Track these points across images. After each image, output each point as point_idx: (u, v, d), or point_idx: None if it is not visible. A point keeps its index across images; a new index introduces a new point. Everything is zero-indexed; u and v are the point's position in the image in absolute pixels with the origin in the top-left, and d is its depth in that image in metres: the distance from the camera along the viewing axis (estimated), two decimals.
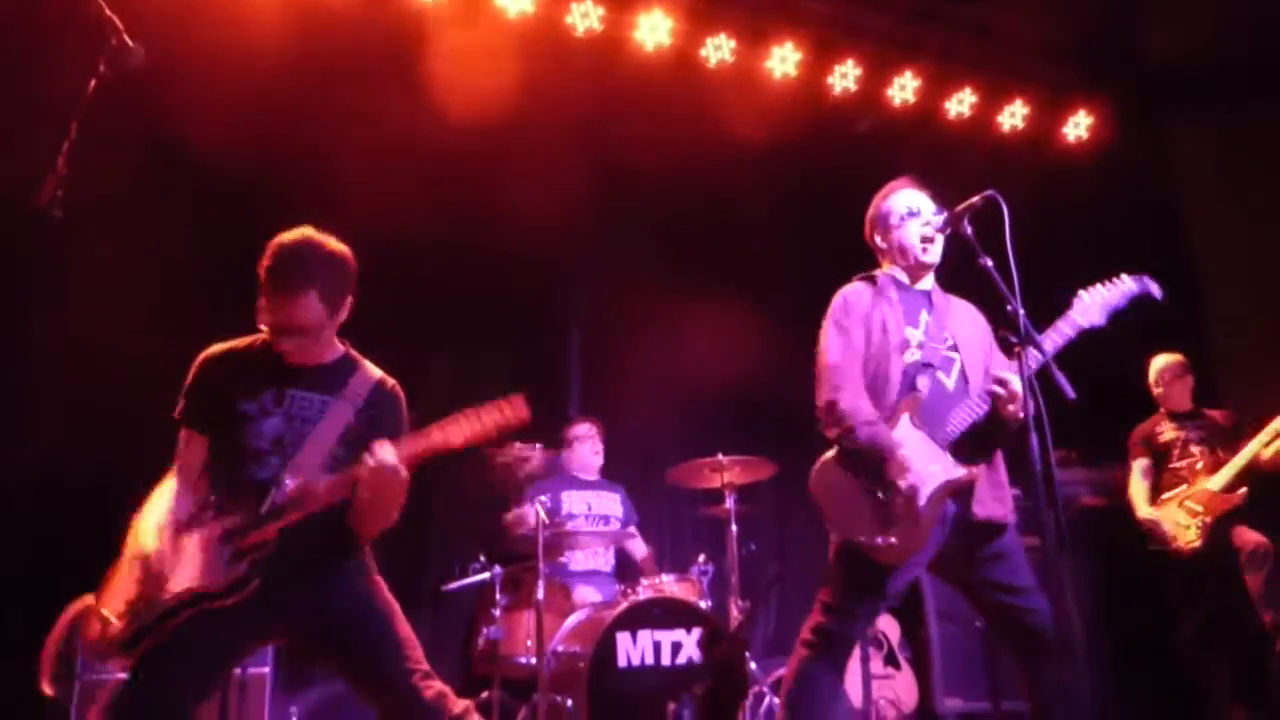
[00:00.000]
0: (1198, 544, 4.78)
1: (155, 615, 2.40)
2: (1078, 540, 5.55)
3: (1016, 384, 2.84)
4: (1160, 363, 5.29)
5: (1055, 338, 2.97)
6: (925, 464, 2.90)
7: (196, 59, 4.57)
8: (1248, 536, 4.78)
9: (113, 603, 2.45)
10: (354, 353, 2.75)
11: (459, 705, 2.55)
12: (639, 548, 5.23)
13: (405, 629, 2.61)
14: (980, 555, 2.94)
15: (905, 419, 2.96)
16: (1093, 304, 3.05)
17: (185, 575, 2.39)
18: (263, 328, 2.62)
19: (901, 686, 5.28)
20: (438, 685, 2.56)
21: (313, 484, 2.47)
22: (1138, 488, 5.15)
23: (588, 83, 5.61)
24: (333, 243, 2.62)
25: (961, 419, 2.96)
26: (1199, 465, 4.97)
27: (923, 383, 3.03)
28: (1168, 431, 5.16)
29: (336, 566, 2.59)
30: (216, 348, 2.67)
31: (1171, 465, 5.08)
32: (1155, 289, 3.11)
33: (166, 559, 2.41)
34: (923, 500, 2.86)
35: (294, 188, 4.63)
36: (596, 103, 5.66)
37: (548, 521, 4.28)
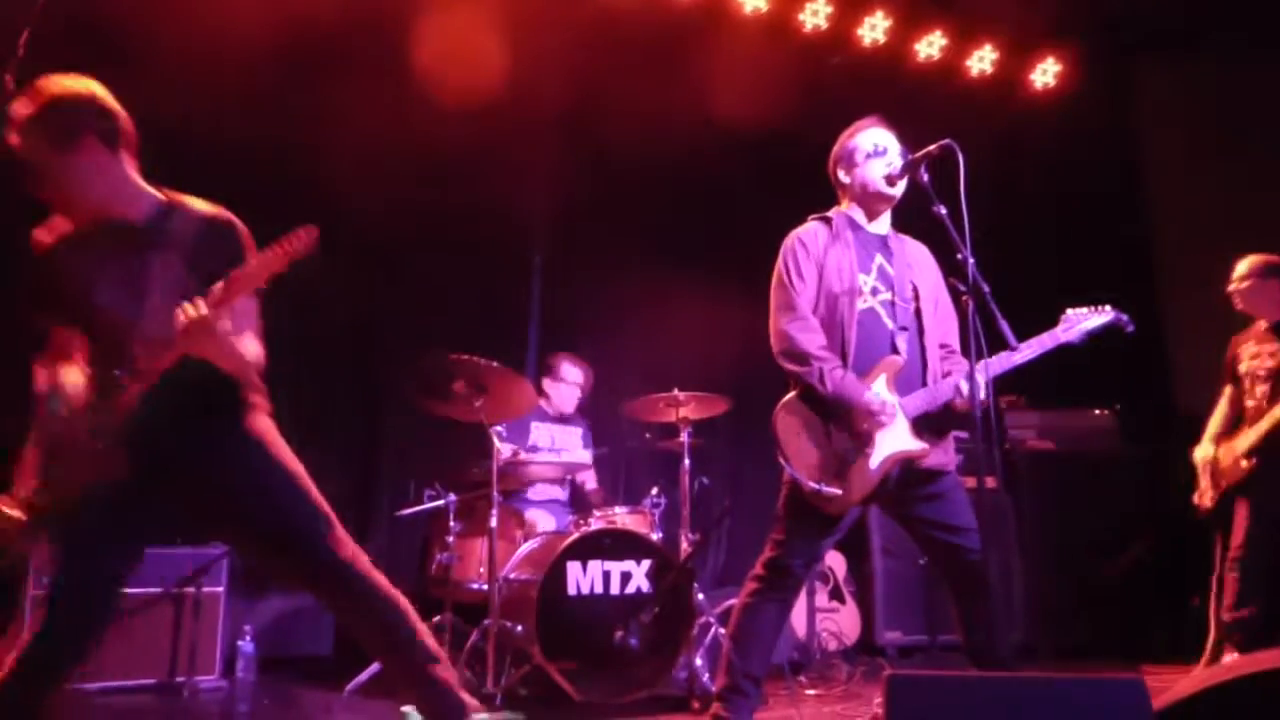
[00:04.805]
0: (1208, 507, 4.45)
1: (50, 507, 2.38)
2: (1024, 482, 5.73)
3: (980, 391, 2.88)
4: (1245, 263, 4.54)
5: (1035, 347, 3.04)
6: (889, 430, 2.95)
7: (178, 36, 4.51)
8: (1239, 529, 4.36)
9: (17, 494, 2.41)
10: (174, 196, 2.60)
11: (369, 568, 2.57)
12: (590, 481, 5.30)
13: (310, 489, 2.56)
14: (919, 494, 3.02)
15: (882, 380, 3.00)
16: (1075, 326, 3.12)
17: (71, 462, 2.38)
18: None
19: (845, 620, 5.44)
20: (352, 546, 2.56)
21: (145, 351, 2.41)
22: (1213, 422, 4.58)
23: (554, 22, 5.52)
24: (50, 87, 2.44)
25: (925, 401, 3.00)
26: (1259, 404, 4.38)
27: (902, 345, 3.07)
28: (1247, 355, 4.51)
29: (211, 420, 2.55)
30: (40, 231, 2.56)
31: (1245, 401, 4.48)
32: (1130, 326, 3.20)
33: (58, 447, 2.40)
34: (874, 464, 2.93)
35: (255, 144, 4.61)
36: (563, 45, 5.57)
37: (502, 451, 4.32)
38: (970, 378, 2.76)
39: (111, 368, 2.43)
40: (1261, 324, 4.50)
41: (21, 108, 2.40)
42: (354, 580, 2.55)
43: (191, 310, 2.32)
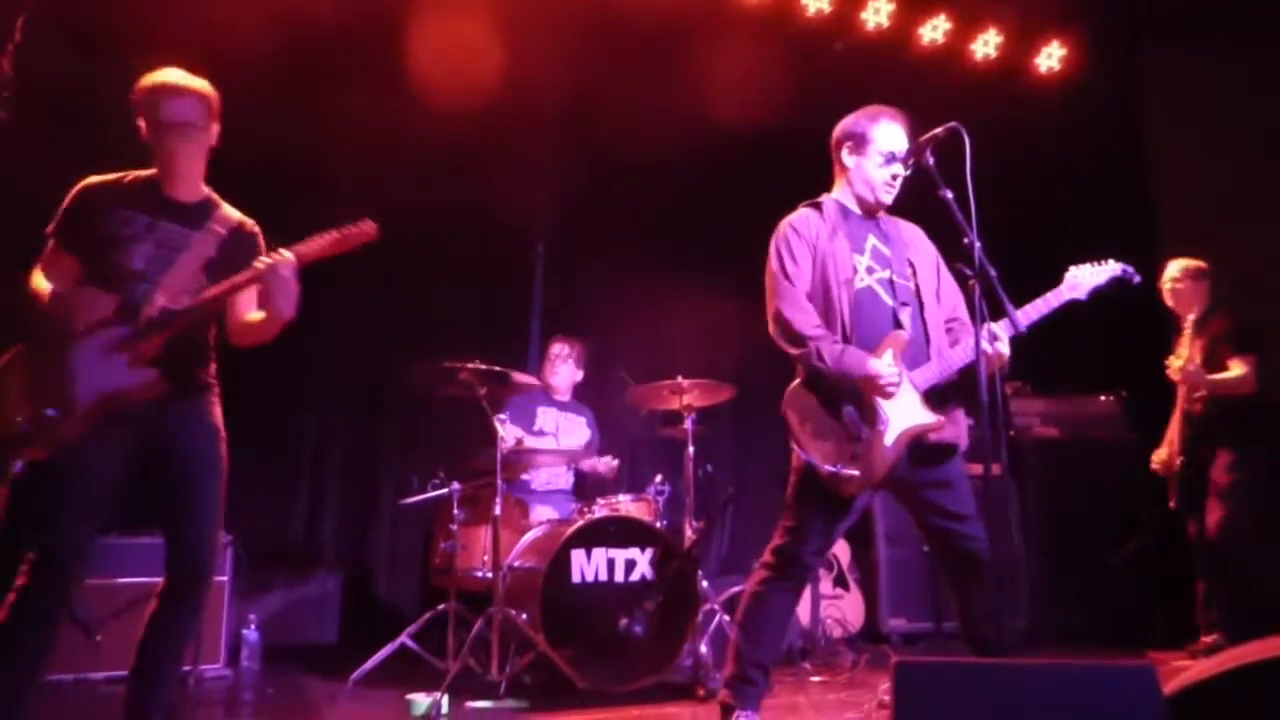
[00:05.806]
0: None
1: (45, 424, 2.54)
2: (1028, 469, 5.72)
3: (1005, 348, 2.89)
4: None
5: (1041, 306, 3.01)
6: (900, 405, 2.94)
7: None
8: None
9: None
10: (216, 196, 2.97)
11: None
12: (600, 464, 5.26)
13: (219, 493, 2.80)
14: (927, 479, 3.00)
15: (889, 355, 2.98)
16: (1080, 281, 3.09)
17: (80, 383, 2.57)
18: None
19: (849, 607, 5.43)
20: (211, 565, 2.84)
21: (183, 298, 2.70)
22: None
23: (554, 15, 5.49)
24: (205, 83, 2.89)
25: (937, 372, 2.98)
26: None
27: (905, 320, 3.05)
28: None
29: (194, 388, 2.83)
30: (95, 178, 2.85)
31: None
32: (1136, 277, 3.17)
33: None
34: (890, 440, 2.91)
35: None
36: (563, 37, 5.52)
37: (507, 440, 4.32)
38: (976, 347, 2.73)
39: (128, 312, 2.67)
40: None
41: (198, 82, 2.84)
42: (202, 584, 2.79)
43: (279, 255, 2.68)
